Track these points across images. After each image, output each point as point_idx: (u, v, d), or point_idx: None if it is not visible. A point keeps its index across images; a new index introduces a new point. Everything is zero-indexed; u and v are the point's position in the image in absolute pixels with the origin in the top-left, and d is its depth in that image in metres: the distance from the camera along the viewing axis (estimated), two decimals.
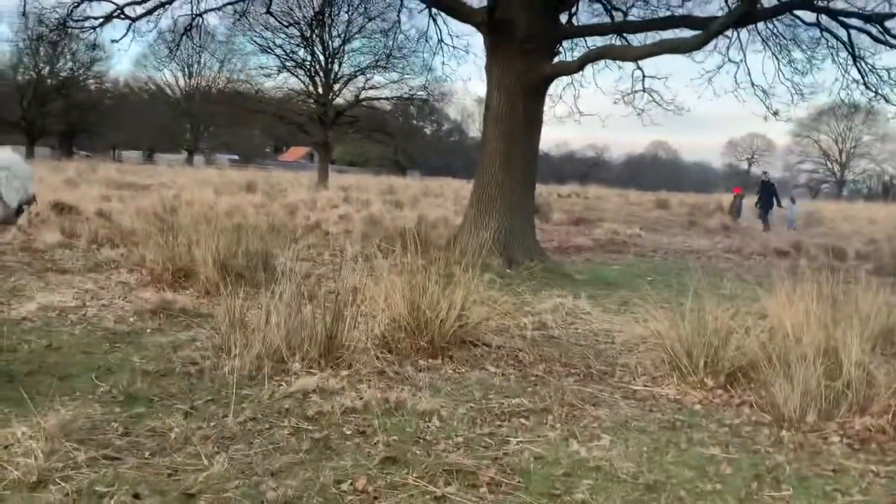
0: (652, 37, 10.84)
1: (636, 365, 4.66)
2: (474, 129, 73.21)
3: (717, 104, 61.30)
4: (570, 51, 12.36)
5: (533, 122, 9.54)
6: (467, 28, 10.26)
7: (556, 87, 12.45)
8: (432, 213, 17.06)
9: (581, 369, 4.60)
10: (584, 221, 18.84)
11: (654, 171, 68.76)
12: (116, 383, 3.62)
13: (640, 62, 11.03)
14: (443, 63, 21.11)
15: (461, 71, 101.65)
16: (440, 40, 13.42)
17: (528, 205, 9.71)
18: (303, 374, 3.83)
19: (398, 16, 15.87)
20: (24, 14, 11.41)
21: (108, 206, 12.08)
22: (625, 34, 10.98)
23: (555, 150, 74.10)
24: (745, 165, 75.59)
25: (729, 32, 10.43)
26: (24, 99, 42.15)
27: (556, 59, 9.91)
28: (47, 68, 43.46)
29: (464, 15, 9.71)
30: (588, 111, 16.19)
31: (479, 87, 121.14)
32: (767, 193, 20.51)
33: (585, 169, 71.97)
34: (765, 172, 22.60)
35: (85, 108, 45.75)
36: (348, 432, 3.26)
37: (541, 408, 3.76)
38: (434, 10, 12.31)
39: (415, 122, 58.01)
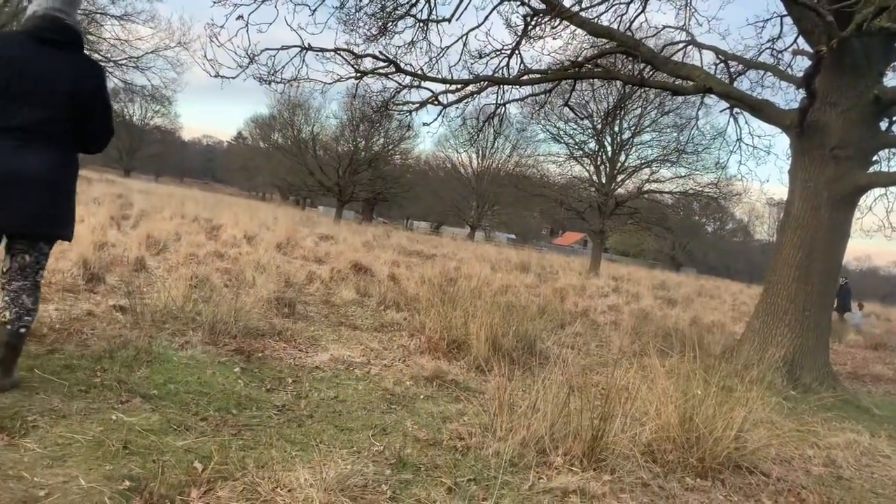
0: None
1: None
2: (762, 232, 69.04)
3: None
4: (886, 160, 11.25)
5: (837, 233, 8.69)
6: (771, 128, 9.76)
7: (867, 198, 11.33)
8: (707, 315, 16.17)
9: None
10: (883, 347, 16.59)
11: None
12: (389, 445, 3.79)
13: None
14: (739, 162, 20.42)
15: (759, 171, 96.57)
16: (739, 139, 12.96)
17: (824, 323, 8.78)
18: (564, 470, 3.73)
19: (696, 113, 15.63)
20: (354, 96, 13.07)
21: (396, 270, 13.07)
22: None
23: (854, 264, 67.26)
24: None
25: None
26: (341, 167, 47.83)
27: (871, 169, 9.02)
28: (363, 142, 49.04)
29: (771, 116, 9.24)
30: None
31: (776, 190, 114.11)
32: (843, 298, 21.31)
33: (889, 288, 64.11)
34: (844, 279, 22.35)
35: (388, 179, 50.68)
36: None
37: None
38: (736, 110, 11.93)
39: (696, 218, 56.17)
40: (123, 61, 31.18)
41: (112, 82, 32.67)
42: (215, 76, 10.29)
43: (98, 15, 29.77)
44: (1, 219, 3.57)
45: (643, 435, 4.37)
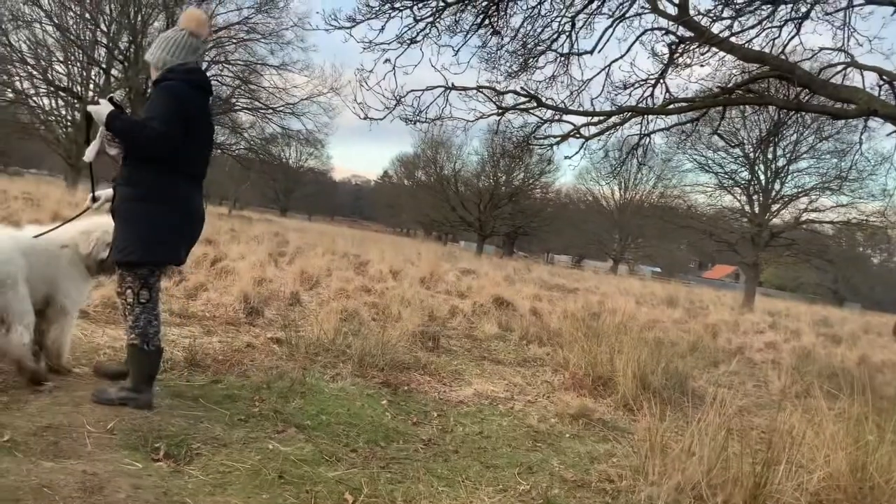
0: None
1: None
2: None
3: None
4: None
5: None
6: None
7: None
8: (876, 354, 14.85)
9: None
10: None
11: None
12: (536, 484, 3.72)
13: None
14: None
15: None
16: None
17: None
18: None
19: (859, 137, 14.51)
20: (495, 132, 13.24)
21: (538, 304, 12.96)
22: None
23: None
24: None
25: None
26: (481, 203, 48.51)
27: None
28: (503, 177, 49.53)
29: None
30: None
31: None
32: None
33: None
34: None
35: (529, 213, 50.77)
36: None
37: None
38: None
39: (861, 249, 52.23)
40: (281, 108, 33.32)
41: (271, 128, 35.00)
42: (364, 118, 10.77)
43: (258, 65, 32.10)
44: (184, 255, 3.97)
45: (810, 483, 4.04)
